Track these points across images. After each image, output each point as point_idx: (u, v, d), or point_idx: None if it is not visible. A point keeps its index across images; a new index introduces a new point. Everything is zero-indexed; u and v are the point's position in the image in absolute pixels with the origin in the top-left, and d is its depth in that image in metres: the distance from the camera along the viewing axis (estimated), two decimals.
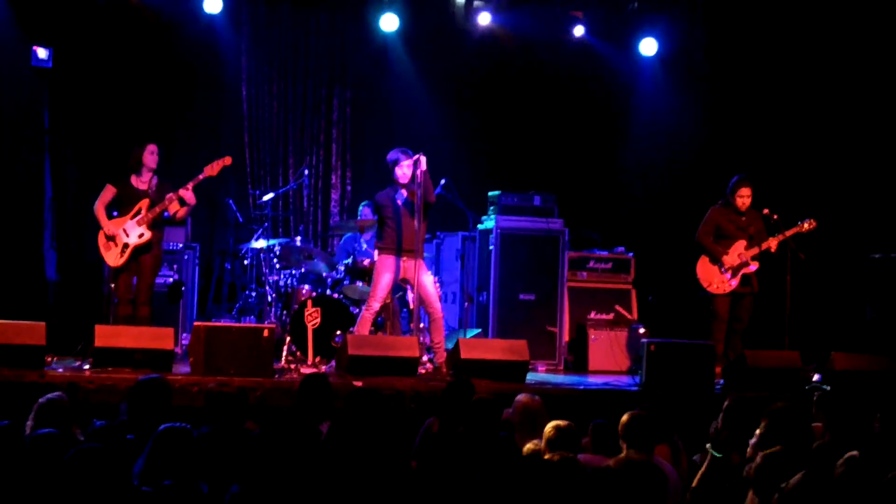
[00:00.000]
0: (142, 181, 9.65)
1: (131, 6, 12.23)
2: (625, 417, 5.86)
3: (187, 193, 9.54)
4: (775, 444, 5.24)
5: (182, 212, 9.70)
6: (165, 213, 9.64)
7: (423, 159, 9.64)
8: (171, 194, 9.52)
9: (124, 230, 9.49)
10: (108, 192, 9.64)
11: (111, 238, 9.49)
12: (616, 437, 5.91)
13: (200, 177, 9.62)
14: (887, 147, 12.79)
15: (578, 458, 5.06)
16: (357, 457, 5.23)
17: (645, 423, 5.87)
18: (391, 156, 9.86)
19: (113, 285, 9.72)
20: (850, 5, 12.85)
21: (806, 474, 4.45)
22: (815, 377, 8.42)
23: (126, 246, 9.50)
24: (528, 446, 5.81)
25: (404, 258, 9.72)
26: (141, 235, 9.50)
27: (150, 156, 9.66)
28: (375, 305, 9.80)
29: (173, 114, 12.76)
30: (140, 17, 12.35)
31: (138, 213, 9.52)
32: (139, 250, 9.53)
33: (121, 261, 9.51)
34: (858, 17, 12.82)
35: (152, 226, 9.55)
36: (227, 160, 9.74)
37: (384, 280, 9.74)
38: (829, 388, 7.89)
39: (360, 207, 11.80)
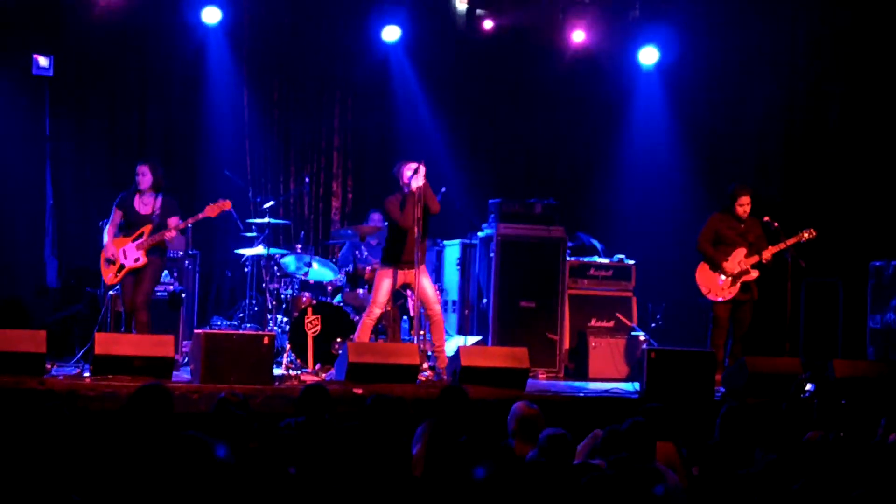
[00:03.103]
0: (144, 204, 9.66)
1: (132, 15, 12.26)
2: (625, 425, 5.86)
3: (183, 226, 9.62)
4: None
5: (174, 240, 9.81)
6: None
7: (423, 169, 9.66)
8: (170, 229, 9.54)
9: (124, 252, 9.54)
10: (116, 216, 9.71)
11: (111, 261, 9.55)
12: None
13: (200, 216, 9.66)
14: (887, 155, 12.79)
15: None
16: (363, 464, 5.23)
17: (645, 430, 5.88)
18: (396, 168, 9.89)
19: (111, 294, 9.78)
20: (848, 10, 12.89)
21: (805, 482, 4.46)
22: (809, 386, 8.40)
23: (122, 267, 9.55)
24: None
25: (405, 269, 9.74)
26: (137, 260, 9.53)
27: (140, 177, 9.64)
28: (376, 312, 9.82)
29: (174, 122, 12.77)
30: (140, 26, 12.37)
31: (140, 236, 9.55)
32: (136, 269, 9.57)
33: (114, 280, 9.58)
34: (856, 20, 12.86)
35: (151, 249, 9.56)
36: (227, 204, 9.75)
37: (384, 286, 9.77)
38: (816, 398, 7.86)
39: (370, 213, 11.79)
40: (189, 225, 9.76)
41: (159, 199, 9.66)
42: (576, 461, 5.60)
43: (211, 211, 9.68)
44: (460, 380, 9.11)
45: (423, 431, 6.46)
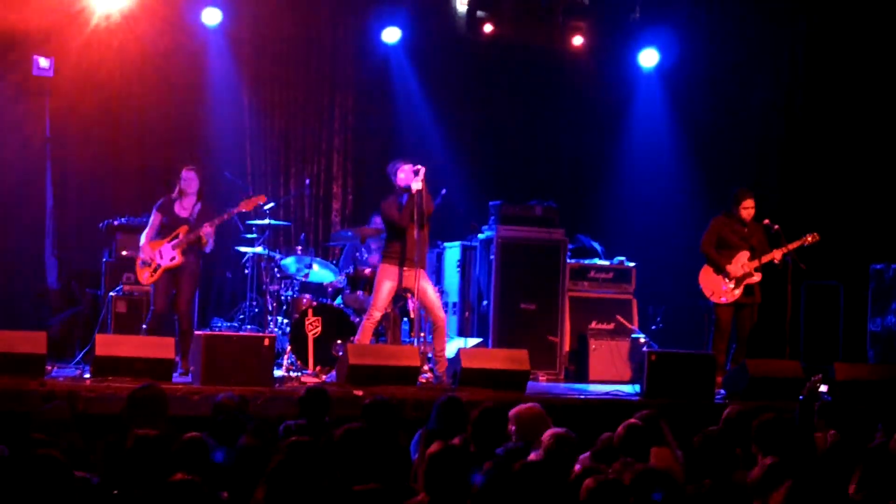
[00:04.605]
0: (184, 207, 9.88)
1: (132, 16, 12.26)
2: (620, 429, 5.87)
3: (219, 221, 9.70)
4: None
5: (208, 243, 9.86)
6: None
7: (423, 170, 9.67)
8: (207, 229, 9.66)
9: (160, 252, 9.71)
10: (156, 220, 9.90)
11: (147, 263, 9.66)
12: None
13: (234, 210, 9.89)
14: (888, 157, 12.79)
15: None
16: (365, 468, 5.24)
17: (640, 432, 5.88)
18: (390, 166, 9.90)
19: (112, 295, 9.84)
20: (850, 13, 12.89)
21: (793, 484, 4.45)
22: (822, 388, 8.41)
23: (158, 267, 9.70)
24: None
25: (406, 268, 9.72)
26: (173, 259, 9.74)
27: (185, 182, 9.87)
28: (376, 315, 9.80)
29: (174, 123, 12.75)
30: (140, 27, 12.36)
31: (176, 237, 9.66)
32: (173, 269, 9.69)
33: (150, 280, 9.76)
34: (858, 24, 12.86)
35: (187, 249, 9.68)
36: (262, 198, 10.09)
37: (385, 289, 9.74)
38: (830, 398, 7.88)
39: (372, 216, 11.80)
40: (225, 219, 9.81)
41: (198, 205, 9.84)
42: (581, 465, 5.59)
43: (245, 206, 9.87)
44: (460, 382, 9.12)
45: (419, 441, 6.43)
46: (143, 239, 9.87)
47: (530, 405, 6.58)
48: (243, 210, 9.90)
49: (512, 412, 6.50)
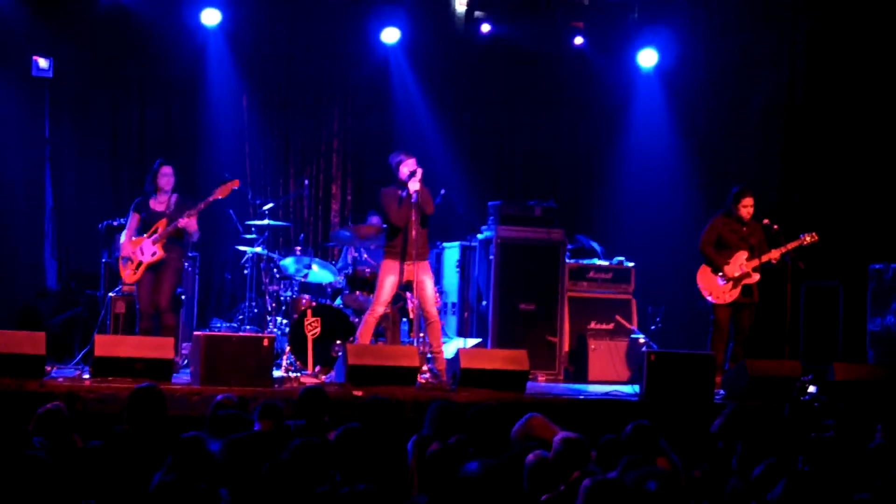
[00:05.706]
0: (160, 202, 9.82)
1: (131, 17, 12.27)
2: (627, 429, 5.86)
3: (190, 222, 9.62)
4: None
5: (194, 233, 9.80)
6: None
7: (420, 172, 9.67)
8: (185, 220, 9.61)
9: (140, 249, 9.65)
10: (134, 220, 9.86)
11: (127, 259, 9.64)
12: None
13: (210, 198, 9.76)
14: (888, 157, 12.78)
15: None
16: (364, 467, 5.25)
17: (647, 433, 5.88)
18: (393, 158, 9.88)
19: (111, 295, 9.83)
20: (850, 13, 12.89)
21: (787, 482, 4.45)
22: (811, 389, 8.42)
23: (140, 264, 9.64)
24: None
25: (407, 262, 9.73)
26: (154, 254, 9.66)
27: (163, 178, 9.80)
28: (379, 310, 9.81)
29: (174, 124, 12.77)
30: (139, 29, 12.38)
31: (155, 231, 9.63)
32: (155, 266, 9.62)
33: (134, 277, 9.70)
34: (859, 24, 12.86)
35: (169, 243, 9.64)
36: (236, 183, 9.93)
37: (388, 283, 9.75)
38: (824, 398, 7.88)
39: (368, 216, 11.80)
40: (202, 209, 9.73)
41: (174, 197, 9.79)
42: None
43: (221, 192, 9.80)
44: (460, 383, 9.12)
45: (413, 447, 6.41)
46: (122, 238, 9.85)
47: (531, 418, 6.44)
48: (220, 197, 9.80)
49: (515, 433, 6.29)
